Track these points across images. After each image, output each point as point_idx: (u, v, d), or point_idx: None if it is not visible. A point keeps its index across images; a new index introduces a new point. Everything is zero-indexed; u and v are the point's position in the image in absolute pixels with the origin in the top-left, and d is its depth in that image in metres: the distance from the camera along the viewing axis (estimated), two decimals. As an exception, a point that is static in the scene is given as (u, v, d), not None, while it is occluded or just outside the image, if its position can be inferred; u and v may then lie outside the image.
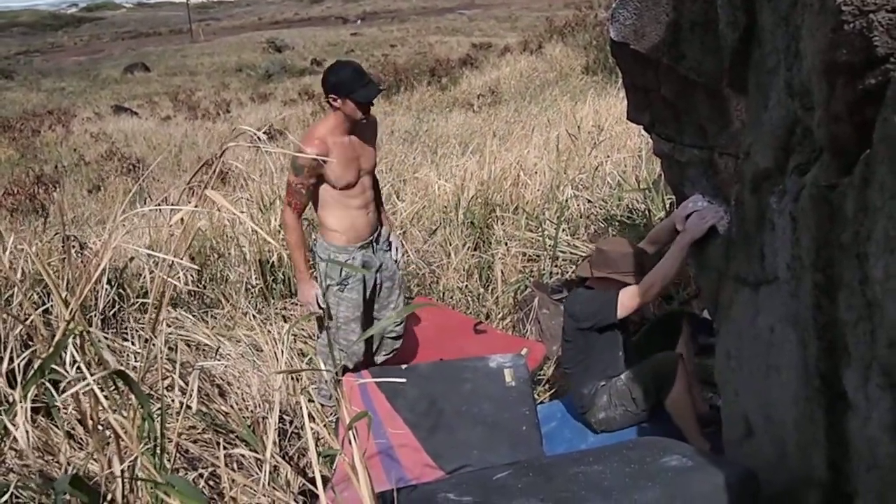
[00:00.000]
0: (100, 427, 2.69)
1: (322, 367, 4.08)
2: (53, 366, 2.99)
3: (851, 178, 1.60)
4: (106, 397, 2.57)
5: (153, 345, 3.66)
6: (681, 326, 3.96)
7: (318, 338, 4.38)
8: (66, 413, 3.27)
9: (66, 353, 3.22)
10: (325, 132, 3.92)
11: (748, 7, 2.26)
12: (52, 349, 2.81)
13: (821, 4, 1.56)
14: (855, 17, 1.41)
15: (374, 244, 4.24)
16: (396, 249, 4.51)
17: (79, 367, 2.99)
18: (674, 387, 3.61)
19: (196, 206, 2.75)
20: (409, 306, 3.10)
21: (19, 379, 3.11)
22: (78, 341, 3.37)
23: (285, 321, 4.97)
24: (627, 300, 3.69)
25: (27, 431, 2.75)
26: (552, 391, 4.69)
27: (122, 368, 2.12)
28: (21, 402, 2.62)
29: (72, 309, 2.98)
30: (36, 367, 2.61)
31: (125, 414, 2.60)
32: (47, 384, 3.28)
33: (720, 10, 2.42)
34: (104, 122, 26.13)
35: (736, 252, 2.67)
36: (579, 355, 3.92)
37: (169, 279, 3.80)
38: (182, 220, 3.71)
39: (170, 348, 4.27)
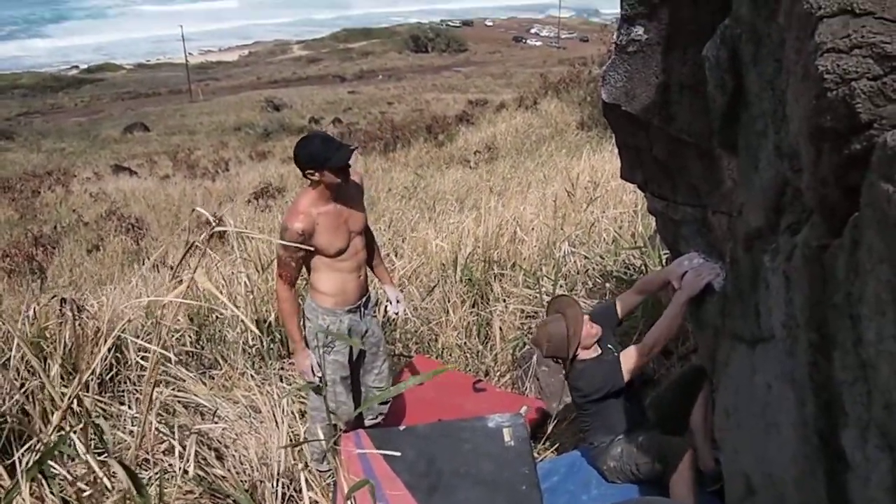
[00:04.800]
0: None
1: (316, 429, 4.06)
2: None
3: (841, 240, 1.62)
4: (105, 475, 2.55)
5: (152, 409, 3.65)
6: (701, 383, 3.94)
7: (309, 402, 4.35)
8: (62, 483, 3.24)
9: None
10: (308, 204, 3.92)
11: (736, 70, 2.29)
12: (51, 444, 2.80)
13: (804, 72, 1.59)
14: (837, 85, 1.44)
15: (363, 309, 4.24)
16: (398, 302, 4.51)
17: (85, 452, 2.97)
18: (677, 473, 3.58)
19: (187, 287, 2.78)
20: (404, 382, 3.09)
21: (15, 451, 3.08)
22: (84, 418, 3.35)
23: (283, 381, 4.95)
24: (630, 362, 3.71)
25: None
26: (553, 447, 4.66)
27: (119, 468, 2.11)
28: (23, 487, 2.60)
29: (70, 395, 2.97)
30: (34, 459, 2.60)
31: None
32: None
33: (708, 72, 2.46)
34: (104, 181, 26.29)
35: (732, 309, 2.67)
36: (591, 419, 3.93)
37: (166, 351, 3.80)
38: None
39: (167, 411, 4.25)
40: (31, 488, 2.75)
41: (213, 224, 2.96)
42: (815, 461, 1.87)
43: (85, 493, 2.59)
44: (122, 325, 3.89)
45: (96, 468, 2.38)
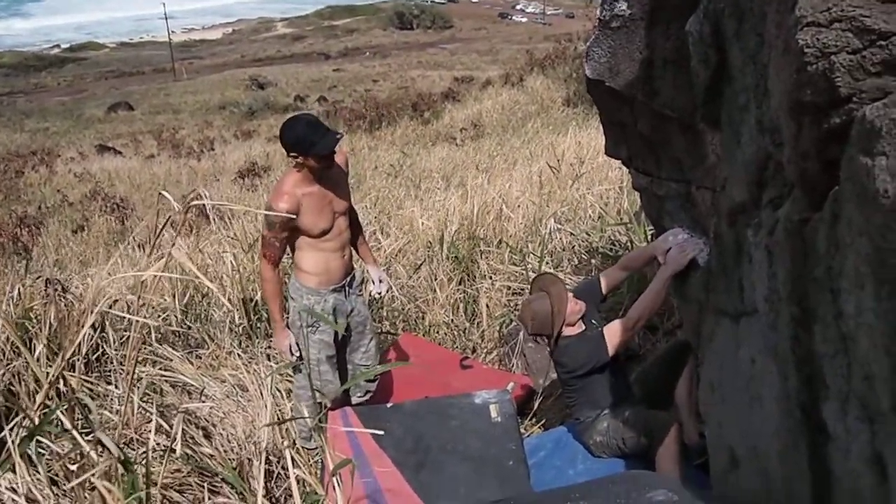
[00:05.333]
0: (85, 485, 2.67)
1: (302, 408, 4.07)
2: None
3: (822, 214, 1.62)
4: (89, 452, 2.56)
5: (136, 387, 3.64)
6: (685, 358, 3.97)
7: (295, 381, 4.37)
8: (49, 461, 3.24)
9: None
10: (292, 185, 3.92)
11: (719, 45, 2.29)
12: (35, 424, 2.80)
13: (784, 46, 1.59)
14: (817, 59, 1.44)
15: (347, 288, 4.24)
16: (381, 282, 4.52)
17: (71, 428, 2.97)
18: (663, 447, 3.61)
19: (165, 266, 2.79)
20: (388, 364, 3.14)
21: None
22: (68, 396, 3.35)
23: (270, 360, 4.95)
24: (615, 337, 3.74)
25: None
26: (540, 423, 4.69)
27: (107, 438, 2.13)
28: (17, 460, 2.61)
29: (53, 373, 2.97)
30: (21, 435, 2.60)
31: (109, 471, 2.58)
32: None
33: (692, 47, 2.46)
34: (88, 161, 26.09)
35: (716, 284, 2.69)
36: (577, 394, 3.95)
37: (149, 321, 3.79)
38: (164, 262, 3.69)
39: (154, 391, 4.25)
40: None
41: (183, 205, 2.94)
42: (798, 434, 1.89)
43: (72, 468, 2.60)
44: (104, 302, 3.88)
45: (82, 443, 2.39)
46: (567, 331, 3.92)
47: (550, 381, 4.96)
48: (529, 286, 4.31)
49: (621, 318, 3.80)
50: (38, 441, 3.24)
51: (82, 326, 3.59)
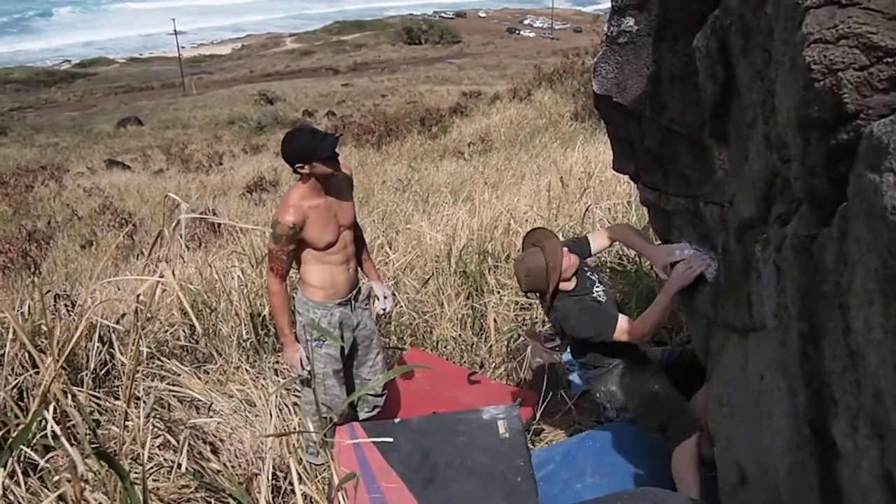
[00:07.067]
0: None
1: (308, 423, 4.07)
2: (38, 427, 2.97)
3: (830, 230, 1.62)
4: (88, 469, 2.55)
5: (144, 402, 3.64)
6: (705, 369, 3.92)
7: (302, 395, 4.37)
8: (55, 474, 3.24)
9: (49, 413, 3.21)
10: (298, 198, 3.94)
11: (726, 61, 2.30)
12: (24, 427, 2.80)
13: (791, 62, 1.59)
14: (824, 76, 1.45)
15: (353, 301, 4.25)
16: (385, 298, 4.51)
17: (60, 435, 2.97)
18: (682, 449, 3.56)
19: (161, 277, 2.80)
20: (392, 371, 3.13)
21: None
22: (60, 407, 3.35)
23: (277, 375, 4.95)
24: (621, 333, 3.67)
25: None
26: (548, 438, 4.67)
27: (102, 448, 2.12)
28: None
29: (48, 379, 2.97)
30: (7, 444, 2.60)
31: (106, 486, 2.58)
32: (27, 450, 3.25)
33: (699, 63, 2.46)
34: (97, 176, 26.15)
35: (724, 300, 2.68)
36: (586, 345, 3.87)
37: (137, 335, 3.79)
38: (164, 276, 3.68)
39: (162, 406, 4.25)
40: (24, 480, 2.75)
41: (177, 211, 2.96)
42: (807, 450, 1.88)
43: (68, 484, 2.59)
44: (91, 310, 3.88)
45: (74, 456, 2.38)
46: (563, 286, 3.83)
47: (559, 397, 4.95)
48: (521, 243, 4.19)
49: (631, 323, 3.73)
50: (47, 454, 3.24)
51: (73, 339, 3.60)
